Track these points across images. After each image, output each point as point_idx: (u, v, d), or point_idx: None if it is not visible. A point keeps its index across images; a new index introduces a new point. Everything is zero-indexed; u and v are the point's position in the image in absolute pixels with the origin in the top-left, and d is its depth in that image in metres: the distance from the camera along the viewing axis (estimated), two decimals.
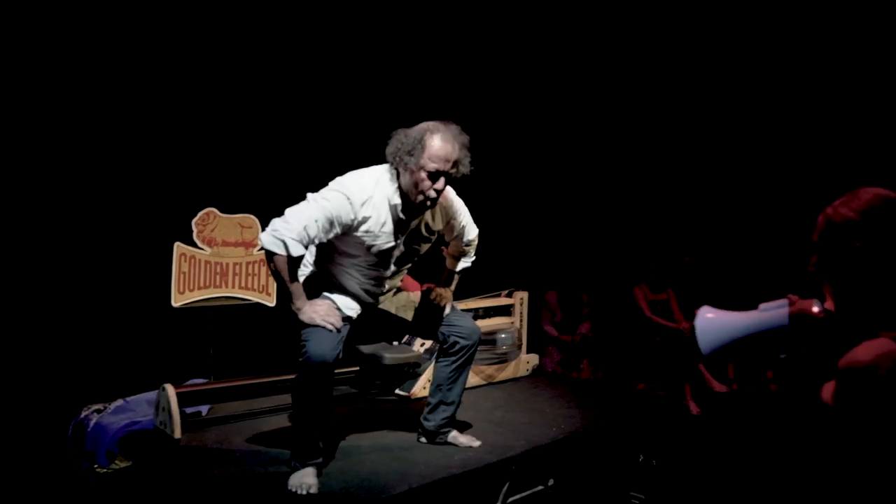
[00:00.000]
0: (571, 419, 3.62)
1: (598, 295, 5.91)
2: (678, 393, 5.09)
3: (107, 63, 4.37)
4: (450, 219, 2.98)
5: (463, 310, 4.02)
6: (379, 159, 2.76)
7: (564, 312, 5.68)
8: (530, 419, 3.61)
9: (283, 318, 2.87)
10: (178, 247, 4.14)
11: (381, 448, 3.10)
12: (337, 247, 2.80)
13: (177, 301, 4.10)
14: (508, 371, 4.45)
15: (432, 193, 2.64)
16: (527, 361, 4.60)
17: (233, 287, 4.28)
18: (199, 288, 4.18)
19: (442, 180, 2.64)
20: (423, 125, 2.66)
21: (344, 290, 2.89)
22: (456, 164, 2.66)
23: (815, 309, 1.60)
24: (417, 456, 3.01)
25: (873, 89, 4.90)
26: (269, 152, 5.06)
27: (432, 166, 2.59)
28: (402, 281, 3.14)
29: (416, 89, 5.37)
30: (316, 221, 2.57)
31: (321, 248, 2.86)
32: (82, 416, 3.44)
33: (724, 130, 5.81)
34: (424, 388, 3.89)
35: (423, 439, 3.21)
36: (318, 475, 2.68)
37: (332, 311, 2.74)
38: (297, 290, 2.68)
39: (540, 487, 3.23)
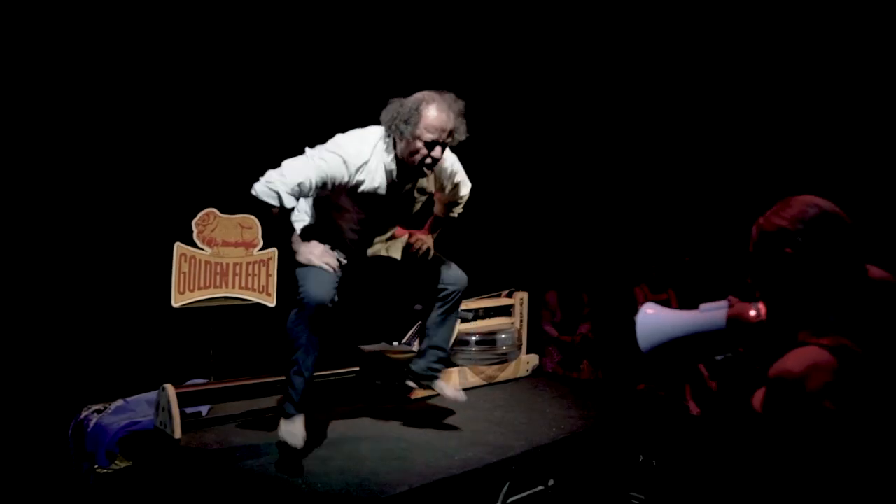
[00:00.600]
0: (571, 419, 3.62)
1: (598, 295, 5.90)
2: (678, 393, 5.09)
3: (108, 63, 4.37)
4: (443, 181, 3.04)
5: (463, 309, 4.03)
6: None
7: (564, 313, 5.68)
8: (530, 419, 3.61)
9: (284, 319, 2.87)
10: (179, 247, 4.14)
11: (382, 448, 3.10)
12: (331, 201, 2.86)
13: (177, 301, 4.10)
14: (508, 371, 4.45)
15: (429, 161, 2.70)
16: (527, 362, 4.60)
17: (233, 287, 4.28)
18: (200, 288, 4.18)
19: (438, 149, 2.69)
20: (419, 95, 2.70)
21: (336, 241, 2.94)
22: (451, 132, 2.70)
23: (752, 313, 1.63)
24: (417, 456, 3.01)
25: (875, 91, 4.89)
26: (270, 152, 5.04)
27: (429, 136, 2.64)
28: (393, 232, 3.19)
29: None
30: (310, 179, 2.64)
31: (318, 201, 2.93)
32: (82, 416, 3.44)
33: (724, 129, 5.81)
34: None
35: (410, 383, 3.29)
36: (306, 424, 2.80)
37: (329, 252, 2.82)
38: (293, 236, 2.80)
39: (540, 488, 3.23)
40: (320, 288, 2.69)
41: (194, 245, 4.19)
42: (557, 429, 3.44)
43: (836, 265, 1.43)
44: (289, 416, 2.79)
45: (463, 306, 4.09)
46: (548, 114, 6.30)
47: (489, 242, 5.83)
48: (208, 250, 4.22)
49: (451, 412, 3.55)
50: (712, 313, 1.73)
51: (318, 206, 2.95)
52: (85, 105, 4.34)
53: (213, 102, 4.79)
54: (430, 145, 2.65)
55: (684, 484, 3.79)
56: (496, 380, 4.37)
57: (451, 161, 3.02)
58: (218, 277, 4.24)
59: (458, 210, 3.28)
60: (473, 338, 4.20)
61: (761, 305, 1.62)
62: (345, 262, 2.94)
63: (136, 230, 4.50)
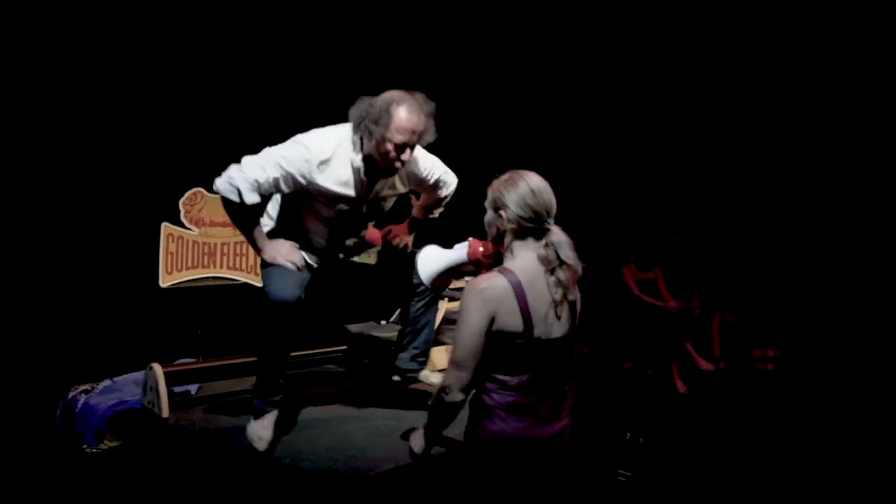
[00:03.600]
0: None
1: (587, 274, 5.90)
2: (665, 371, 5.13)
3: (92, 43, 4.31)
4: (419, 179, 2.94)
5: (451, 288, 4.03)
6: None
7: None
8: None
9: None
10: (166, 227, 4.13)
11: (369, 426, 3.11)
12: (300, 203, 2.79)
13: (164, 282, 4.10)
14: None
15: (398, 164, 2.63)
16: None
17: (220, 267, 4.27)
18: (187, 268, 4.18)
19: (408, 151, 2.60)
20: (389, 95, 2.61)
21: (306, 243, 2.89)
22: (421, 134, 2.62)
23: (481, 249, 2.36)
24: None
25: (873, 88, 4.90)
26: (256, 132, 5.01)
27: (399, 138, 2.55)
28: (366, 233, 3.11)
29: (402, 76, 5.35)
30: (269, 178, 2.57)
31: (284, 203, 2.86)
32: (70, 396, 3.44)
33: (709, 109, 5.81)
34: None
35: (395, 377, 3.28)
36: (277, 420, 2.77)
37: (294, 250, 2.76)
38: (257, 233, 2.74)
39: None
40: (285, 286, 2.64)
41: (182, 225, 4.18)
42: None
43: (525, 225, 2.06)
44: (259, 415, 2.75)
45: (451, 285, 4.10)
46: (534, 96, 6.28)
47: (477, 220, 5.83)
48: (196, 230, 4.21)
49: None
50: (460, 250, 2.39)
51: (286, 208, 2.88)
52: (71, 85, 4.28)
53: (201, 81, 4.74)
54: (399, 148, 2.57)
55: (671, 462, 3.83)
56: None
57: (429, 162, 2.93)
58: (206, 257, 4.23)
59: (438, 211, 3.19)
60: None
61: (490, 243, 2.19)
62: (315, 265, 2.90)
63: (124, 210, 4.47)
